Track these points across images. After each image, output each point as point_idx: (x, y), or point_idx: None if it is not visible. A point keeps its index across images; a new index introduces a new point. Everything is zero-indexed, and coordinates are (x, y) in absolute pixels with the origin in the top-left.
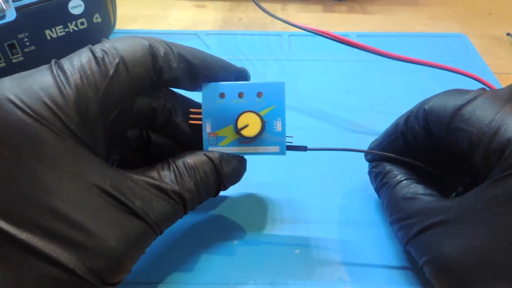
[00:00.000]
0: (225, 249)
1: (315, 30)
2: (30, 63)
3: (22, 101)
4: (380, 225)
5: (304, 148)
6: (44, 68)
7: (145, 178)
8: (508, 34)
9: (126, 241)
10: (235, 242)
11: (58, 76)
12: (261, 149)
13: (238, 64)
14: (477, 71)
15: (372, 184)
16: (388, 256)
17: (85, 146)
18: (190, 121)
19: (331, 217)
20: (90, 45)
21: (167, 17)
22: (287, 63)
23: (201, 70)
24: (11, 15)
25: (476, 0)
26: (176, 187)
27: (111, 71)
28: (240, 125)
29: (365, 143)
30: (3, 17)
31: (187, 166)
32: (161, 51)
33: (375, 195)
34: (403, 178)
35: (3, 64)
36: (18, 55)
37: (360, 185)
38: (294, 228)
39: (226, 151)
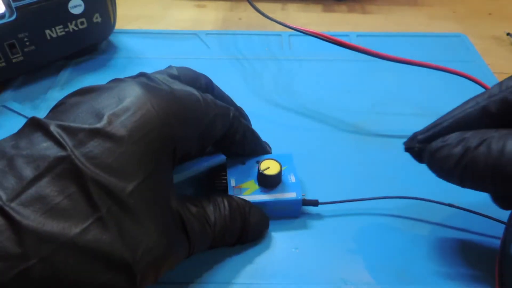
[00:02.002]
0: (225, 248)
1: (309, 31)
2: (30, 63)
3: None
4: (381, 224)
5: (315, 203)
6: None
7: (194, 208)
8: (508, 34)
9: (175, 261)
10: None
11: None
12: (279, 195)
13: (237, 64)
14: (477, 71)
15: (441, 165)
16: (389, 256)
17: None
18: (216, 185)
19: (331, 216)
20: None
21: (167, 17)
22: (287, 63)
23: (248, 152)
24: (11, 15)
25: (476, 0)
26: (213, 224)
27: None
28: (262, 167)
29: (366, 143)
30: (3, 17)
31: (221, 201)
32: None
33: (375, 192)
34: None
35: (3, 64)
36: (18, 55)
37: (360, 182)
38: (294, 227)
39: (250, 199)
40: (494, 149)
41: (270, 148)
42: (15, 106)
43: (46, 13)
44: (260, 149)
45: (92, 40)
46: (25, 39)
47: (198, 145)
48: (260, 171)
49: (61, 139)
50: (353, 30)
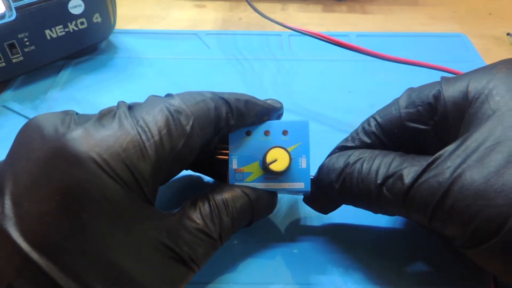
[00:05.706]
0: (225, 249)
1: (308, 32)
2: (30, 63)
3: (105, 162)
4: (380, 224)
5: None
6: (122, 119)
7: (193, 224)
8: (508, 34)
9: None
10: (235, 242)
11: (140, 135)
12: (286, 185)
13: (237, 64)
14: None
15: (330, 172)
16: (388, 256)
17: (149, 202)
18: (218, 156)
19: (330, 216)
20: (165, 101)
21: (167, 17)
22: (287, 63)
23: (252, 119)
24: (11, 15)
25: (476, 0)
26: (218, 231)
27: (187, 132)
28: (269, 159)
29: None
30: (3, 17)
31: (225, 203)
32: (223, 111)
33: None
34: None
35: (3, 64)
36: (18, 55)
37: None
38: (293, 228)
39: (252, 186)
40: (364, 168)
41: (281, 104)
42: (15, 106)
43: (46, 13)
44: (265, 117)
45: (92, 40)
46: (25, 39)
47: (178, 167)
48: (266, 164)
49: None
50: (353, 30)
